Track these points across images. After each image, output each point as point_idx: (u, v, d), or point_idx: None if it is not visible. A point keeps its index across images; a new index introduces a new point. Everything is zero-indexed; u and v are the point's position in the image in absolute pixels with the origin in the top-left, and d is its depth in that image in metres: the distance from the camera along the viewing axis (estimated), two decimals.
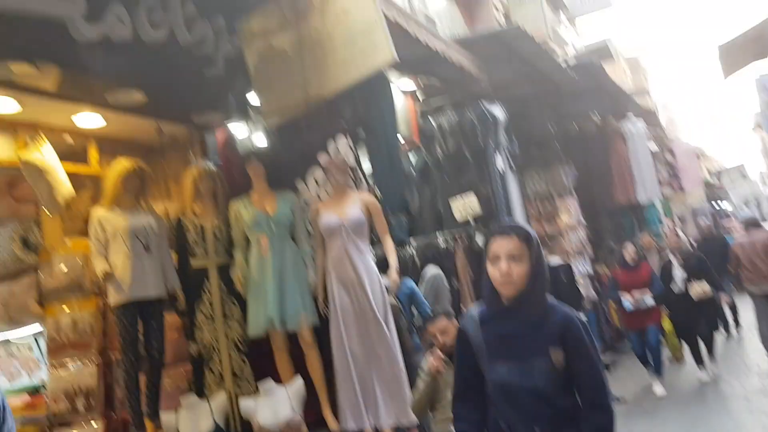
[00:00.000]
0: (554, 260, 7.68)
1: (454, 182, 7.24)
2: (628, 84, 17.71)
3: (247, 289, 4.52)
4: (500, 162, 7.12)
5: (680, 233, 7.47)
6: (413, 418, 4.19)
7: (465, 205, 7.02)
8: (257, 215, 4.49)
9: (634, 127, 11.94)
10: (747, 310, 12.33)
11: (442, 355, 3.75)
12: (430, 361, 3.80)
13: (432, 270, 6.19)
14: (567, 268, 7.76)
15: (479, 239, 6.80)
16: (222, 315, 4.59)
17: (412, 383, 4.08)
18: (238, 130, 5.22)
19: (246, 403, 4.28)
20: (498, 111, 7.23)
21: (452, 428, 3.71)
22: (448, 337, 3.79)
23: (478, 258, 6.70)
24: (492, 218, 6.93)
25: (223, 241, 4.65)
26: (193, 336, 4.60)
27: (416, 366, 4.43)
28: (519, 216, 7.17)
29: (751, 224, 7.93)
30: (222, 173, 4.88)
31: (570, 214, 9.52)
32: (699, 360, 7.38)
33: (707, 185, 22.85)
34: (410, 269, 6.51)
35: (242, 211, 4.56)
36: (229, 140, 5.22)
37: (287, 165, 4.90)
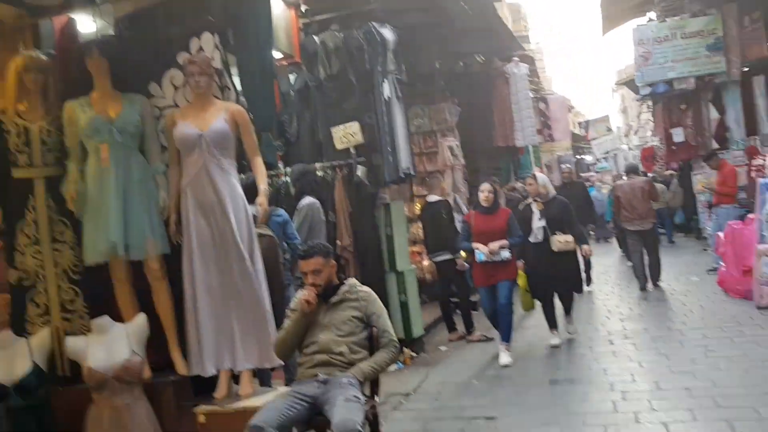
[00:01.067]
0: (433, 197, 7.48)
1: (337, 108, 6.67)
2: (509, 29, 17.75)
3: (83, 207, 3.76)
4: (387, 89, 6.62)
5: (539, 176, 6.84)
6: (275, 359, 3.75)
7: (347, 134, 6.51)
8: (96, 119, 3.69)
9: (518, 70, 11.88)
10: (602, 255, 13.03)
11: (314, 291, 3.35)
12: (301, 296, 3.40)
13: (307, 200, 5.69)
14: (446, 204, 7.58)
15: (360, 171, 6.37)
16: (50, 237, 3.82)
17: (280, 323, 3.61)
18: (81, 17, 4.30)
19: (74, 342, 3.60)
20: (388, 33, 6.70)
21: (320, 376, 3.33)
22: (320, 279, 3.39)
23: (357, 190, 6.32)
24: (375, 149, 6.48)
25: (52, 148, 3.80)
26: (13, 261, 3.83)
27: (286, 304, 3.98)
28: (403, 148, 6.74)
29: (632, 171, 9.42)
30: (56, 66, 3.99)
31: (451, 152, 9.33)
32: (552, 323, 6.62)
33: (574, 137, 23.91)
34: (283, 199, 5.99)
35: (78, 113, 3.73)
36: (69, 28, 4.28)
37: (138, 63, 4.07)
